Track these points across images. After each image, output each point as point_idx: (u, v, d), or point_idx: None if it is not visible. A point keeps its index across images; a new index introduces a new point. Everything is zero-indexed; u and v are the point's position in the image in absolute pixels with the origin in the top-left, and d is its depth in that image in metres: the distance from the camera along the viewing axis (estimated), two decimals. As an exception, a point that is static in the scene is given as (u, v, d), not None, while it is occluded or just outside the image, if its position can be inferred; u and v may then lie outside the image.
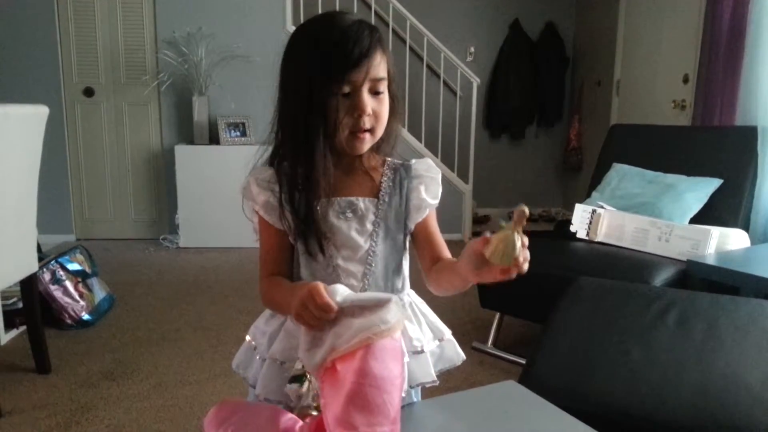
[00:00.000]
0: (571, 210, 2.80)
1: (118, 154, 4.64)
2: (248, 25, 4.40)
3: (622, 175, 2.95)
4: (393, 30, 4.88)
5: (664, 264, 2.31)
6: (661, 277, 2.20)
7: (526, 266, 0.78)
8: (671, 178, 2.77)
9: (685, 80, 3.81)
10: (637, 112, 4.44)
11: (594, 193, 2.98)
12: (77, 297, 2.90)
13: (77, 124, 4.57)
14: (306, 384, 0.82)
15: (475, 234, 4.82)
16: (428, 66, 4.93)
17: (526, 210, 0.74)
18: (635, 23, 4.55)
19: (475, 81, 4.78)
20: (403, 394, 0.88)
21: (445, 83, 5.02)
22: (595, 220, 2.70)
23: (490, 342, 2.67)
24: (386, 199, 0.99)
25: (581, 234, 2.72)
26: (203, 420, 0.80)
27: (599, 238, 2.68)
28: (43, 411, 2.09)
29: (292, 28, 4.40)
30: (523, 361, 1.62)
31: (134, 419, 2.05)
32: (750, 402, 1.24)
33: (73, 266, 2.98)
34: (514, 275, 0.79)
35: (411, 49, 4.90)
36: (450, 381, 2.37)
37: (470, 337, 2.77)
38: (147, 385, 2.30)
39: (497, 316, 2.71)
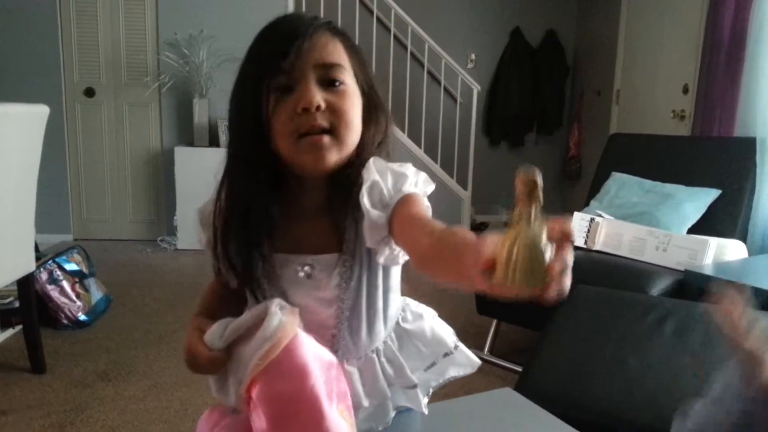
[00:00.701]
0: (570, 218, 2.80)
1: (117, 155, 4.64)
2: (250, 28, 4.34)
3: (621, 184, 2.95)
4: (394, 36, 4.90)
5: (662, 273, 2.31)
6: (658, 287, 2.20)
7: (568, 281, 0.47)
8: (670, 187, 2.78)
9: (685, 90, 3.83)
10: (637, 122, 4.45)
11: (592, 202, 2.98)
12: (74, 297, 2.89)
13: (77, 125, 4.57)
14: None
15: (474, 240, 4.82)
16: (429, 72, 4.95)
17: (528, 171, 0.45)
18: (636, 33, 4.57)
19: (476, 88, 4.79)
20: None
21: (445, 89, 5.03)
22: (593, 229, 2.70)
23: (486, 349, 2.67)
24: (351, 247, 0.78)
25: (579, 242, 2.72)
26: (197, 422, 0.79)
27: (597, 247, 2.68)
28: (38, 411, 2.09)
29: (293, 32, 4.41)
30: (520, 369, 1.62)
31: (129, 420, 2.05)
32: (746, 413, 1.24)
33: (71, 266, 2.97)
34: (551, 294, 0.48)
35: (412, 55, 4.91)
36: (446, 387, 2.36)
37: (467, 344, 2.74)
38: (142, 387, 2.29)
39: (494, 323, 2.71)
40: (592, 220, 2.72)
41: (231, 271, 0.78)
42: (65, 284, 2.89)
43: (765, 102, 2.88)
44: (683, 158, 2.92)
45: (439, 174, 4.77)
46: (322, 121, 0.73)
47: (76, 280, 2.97)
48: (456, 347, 0.92)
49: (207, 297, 0.86)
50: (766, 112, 2.86)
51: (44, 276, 2.82)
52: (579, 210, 2.86)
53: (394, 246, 0.76)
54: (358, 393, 0.82)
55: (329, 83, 0.74)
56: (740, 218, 2.64)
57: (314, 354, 0.65)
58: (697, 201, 2.65)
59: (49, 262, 2.89)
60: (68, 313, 2.84)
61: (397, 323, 0.89)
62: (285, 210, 0.78)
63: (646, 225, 2.59)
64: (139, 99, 4.57)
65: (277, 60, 0.72)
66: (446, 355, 0.91)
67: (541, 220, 0.46)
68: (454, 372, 0.92)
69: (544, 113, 5.64)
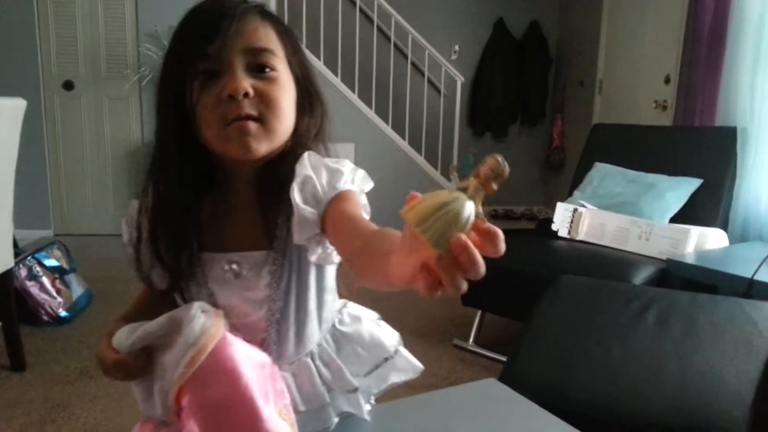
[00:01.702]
0: (553, 208, 2.82)
1: (98, 149, 4.58)
2: (231, 20, 4.35)
3: (604, 175, 2.97)
4: (378, 27, 4.87)
5: (644, 263, 2.33)
6: (641, 276, 2.22)
7: (479, 269, 0.39)
8: (652, 177, 2.79)
9: (667, 81, 3.85)
10: (619, 112, 4.47)
11: (575, 192, 2.99)
12: (54, 293, 2.85)
13: (56, 118, 4.50)
14: None
15: (458, 232, 4.83)
16: (413, 64, 4.93)
17: (504, 164, 0.41)
18: (618, 24, 4.58)
19: (459, 79, 4.78)
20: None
21: (429, 81, 5.02)
22: (576, 219, 2.71)
23: (471, 339, 2.68)
24: (282, 245, 0.74)
25: (563, 232, 2.74)
26: None
27: (580, 237, 2.69)
28: (18, 409, 2.06)
29: (275, 24, 4.38)
30: (504, 359, 1.62)
31: (110, 418, 2.02)
32: (728, 398, 1.25)
33: (51, 262, 2.93)
34: (459, 285, 0.39)
35: (396, 46, 4.89)
36: (431, 379, 2.37)
37: (451, 335, 2.77)
38: (123, 384, 2.25)
39: (478, 313, 2.72)
40: (575, 210, 2.73)
41: (160, 270, 0.75)
42: (45, 280, 2.85)
43: (745, 92, 2.90)
44: (665, 148, 2.94)
45: (423, 165, 4.76)
46: (250, 109, 0.69)
47: (57, 276, 2.92)
48: (396, 352, 0.88)
49: (133, 303, 0.84)
50: (746, 102, 2.89)
51: (23, 272, 2.77)
52: (562, 200, 2.87)
53: (328, 245, 0.71)
54: (294, 398, 0.79)
55: (258, 69, 0.70)
56: (721, 207, 2.67)
57: (244, 354, 0.61)
58: (679, 190, 2.67)
59: (29, 258, 2.84)
60: (48, 309, 2.80)
61: (334, 326, 0.86)
62: (214, 206, 0.75)
63: (628, 215, 2.60)
64: (119, 92, 4.51)
65: (202, 44, 0.68)
66: (387, 359, 0.87)
67: (479, 206, 0.41)
68: (396, 378, 0.88)
69: (527, 104, 5.65)
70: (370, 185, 0.77)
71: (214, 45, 0.68)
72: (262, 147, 0.71)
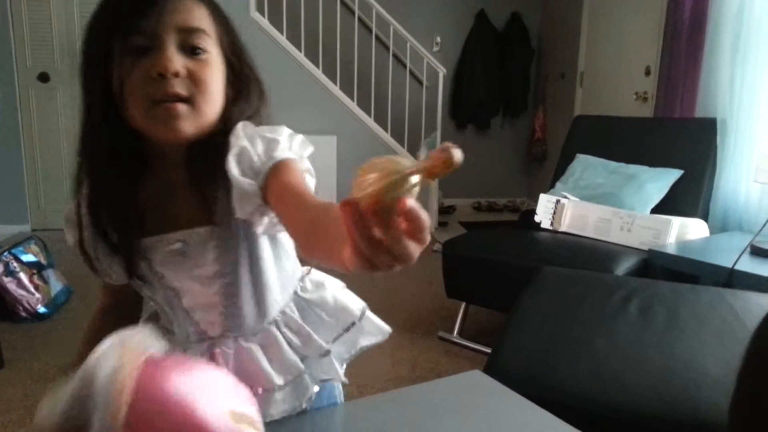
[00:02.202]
0: (536, 200, 2.82)
1: (75, 142, 4.49)
2: (211, 11, 4.30)
3: (586, 166, 2.98)
4: (359, 18, 4.84)
5: (627, 253, 2.34)
6: (623, 267, 2.23)
7: (411, 250, 0.38)
8: (633, 168, 2.81)
9: (647, 72, 3.87)
10: (601, 104, 4.50)
11: (558, 184, 3.01)
12: (32, 289, 2.80)
13: (32, 111, 4.41)
14: None
15: (441, 224, 4.84)
16: (394, 55, 4.91)
17: (455, 153, 0.38)
18: (599, 16, 4.60)
19: (441, 71, 4.77)
20: (301, 407, 0.81)
21: (411, 73, 5.00)
22: (559, 210, 2.72)
23: (455, 331, 2.68)
24: (225, 219, 0.73)
25: (545, 224, 2.75)
26: None
27: (563, 228, 2.71)
28: (-4, 407, 2.02)
29: (256, 15, 4.33)
30: (489, 351, 1.62)
31: (92, 414, 1.99)
32: (710, 388, 1.26)
33: (28, 257, 2.88)
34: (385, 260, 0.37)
35: (377, 38, 4.86)
36: (416, 371, 2.37)
37: (436, 327, 2.77)
38: (106, 379, 2.23)
39: (463, 305, 2.72)
40: (557, 201, 2.74)
41: (114, 264, 0.74)
42: (22, 276, 2.80)
43: (724, 83, 2.92)
44: (646, 139, 2.96)
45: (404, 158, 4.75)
46: (180, 89, 0.67)
47: (34, 271, 2.88)
48: (363, 315, 0.88)
49: (93, 319, 0.83)
50: (725, 93, 2.91)
51: (0, 268, 2.72)
52: (545, 192, 2.88)
53: (273, 214, 0.70)
54: (267, 371, 0.79)
55: (191, 50, 0.69)
56: (702, 197, 2.69)
57: (175, 374, 0.55)
58: (660, 181, 2.69)
59: (5, 253, 2.79)
60: (26, 305, 2.75)
61: (296, 293, 0.85)
62: (150, 189, 0.74)
63: (610, 206, 2.62)
64: (96, 84, 4.43)
65: (135, 18, 0.65)
66: (353, 324, 0.87)
67: (415, 188, 0.39)
68: (365, 341, 0.89)
69: (509, 96, 5.66)
70: (310, 149, 0.76)
71: (147, 20, 0.65)
72: (190, 128, 0.69)
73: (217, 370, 0.65)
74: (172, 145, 0.72)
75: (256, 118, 0.77)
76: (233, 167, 0.68)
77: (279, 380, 0.80)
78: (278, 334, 0.82)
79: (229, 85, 0.74)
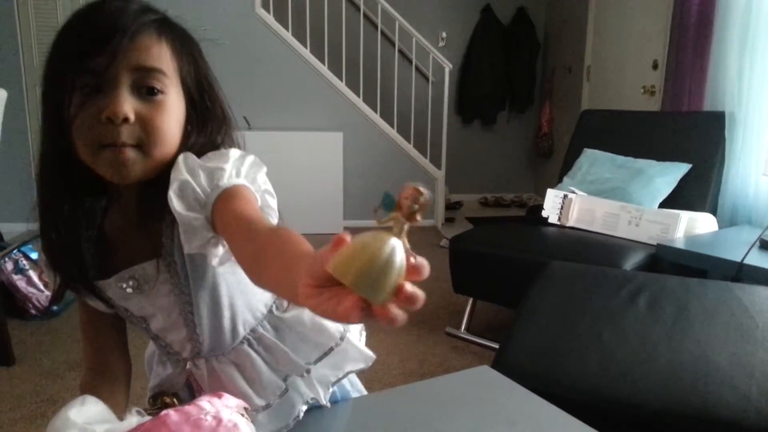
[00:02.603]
0: (543, 195, 2.82)
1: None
2: (216, 8, 4.30)
3: (593, 161, 2.97)
4: (364, 14, 4.83)
5: (635, 248, 2.34)
6: (631, 261, 2.23)
7: (420, 303, 0.40)
8: (641, 163, 2.80)
9: (655, 66, 3.85)
10: (608, 98, 4.47)
11: (565, 179, 3.00)
12: (42, 287, 2.82)
13: (39, 110, 4.42)
14: None
15: (448, 220, 4.84)
16: (400, 51, 4.89)
17: (425, 191, 0.39)
18: (606, 9, 4.57)
19: (447, 66, 4.76)
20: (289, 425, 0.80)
21: (417, 69, 4.99)
22: (566, 206, 2.71)
23: (463, 327, 2.68)
24: (171, 250, 0.71)
25: (553, 219, 2.74)
26: None
27: (570, 223, 2.70)
28: (7, 404, 2.04)
29: (261, 11, 4.33)
30: (497, 346, 1.62)
31: (102, 411, 2.01)
32: (719, 382, 1.26)
33: (37, 255, 2.90)
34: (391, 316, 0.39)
35: (383, 34, 4.85)
36: (424, 366, 2.37)
37: (443, 323, 2.77)
38: (115, 376, 2.25)
39: (470, 301, 2.72)
40: (565, 196, 2.73)
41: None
42: (32, 274, 2.82)
43: (733, 76, 2.90)
44: (654, 133, 2.95)
45: (412, 154, 4.75)
46: (127, 138, 0.64)
47: (43, 269, 2.89)
48: (342, 339, 0.84)
49: (87, 335, 0.83)
50: (734, 87, 2.89)
51: (9, 266, 2.74)
52: (552, 187, 2.87)
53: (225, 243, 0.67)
54: (245, 391, 0.78)
55: (146, 91, 0.65)
56: (710, 191, 2.68)
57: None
58: (668, 175, 2.68)
59: (15, 251, 2.81)
60: (36, 302, 2.77)
61: (270, 312, 0.83)
62: (112, 223, 0.73)
63: (618, 200, 2.61)
64: (103, 82, 4.44)
65: (86, 58, 0.62)
66: (332, 348, 0.84)
67: (405, 238, 0.40)
68: (351, 366, 0.86)
69: (515, 91, 5.64)
70: (263, 170, 0.72)
71: (99, 60, 0.62)
72: (139, 173, 0.67)
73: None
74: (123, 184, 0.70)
75: (211, 147, 0.73)
76: (176, 203, 0.65)
77: (259, 401, 0.78)
78: (251, 352, 0.80)
79: (188, 120, 0.72)
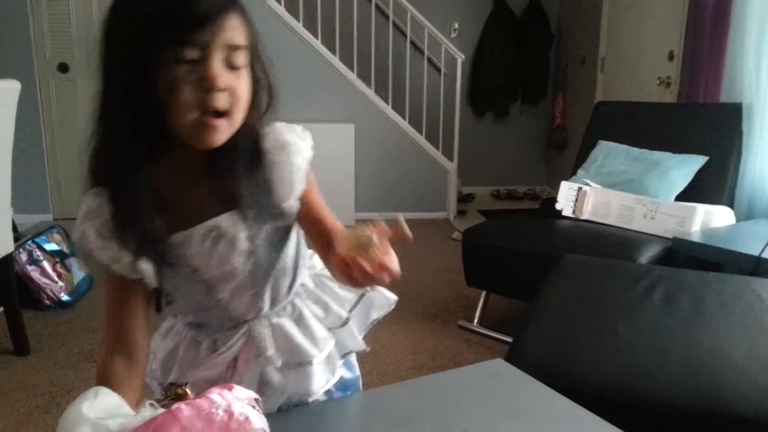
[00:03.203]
0: (556, 188, 2.79)
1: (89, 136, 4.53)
2: (228, 0, 4.29)
3: (608, 153, 2.94)
4: (376, 5, 4.81)
5: (650, 241, 2.31)
6: (647, 255, 2.20)
7: (383, 275, 0.68)
8: (657, 155, 2.76)
9: (671, 57, 3.79)
10: (622, 90, 4.42)
11: (579, 171, 2.97)
12: (55, 278, 2.84)
13: (52, 101, 4.45)
14: None
15: (460, 213, 4.83)
16: (412, 42, 4.87)
17: (403, 223, 0.67)
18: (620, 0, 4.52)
19: (460, 57, 4.73)
20: (334, 379, 0.89)
21: (429, 60, 4.96)
22: (580, 198, 2.69)
23: (476, 320, 2.67)
24: (250, 204, 0.79)
25: (567, 212, 2.71)
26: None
27: (585, 216, 2.67)
28: (23, 393, 2.06)
29: (273, 2, 4.31)
30: (509, 340, 1.61)
31: (115, 401, 2.02)
32: (736, 377, 1.24)
33: (51, 246, 2.92)
34: (378, 274, 0.68)
35: (394, 25, 4.82)
36: (436, 359, 2.37)
37: (456, 316, 2.77)
38: (128, 367, 2.26)
39: (483, 294, 2.71)
40: (579, 189, 2.71)
41: (135, 264, 0.75)
42: (46, 264, 2.84)
43: (750, 67, 2.85)
44: (670, 125, 2.91)
45: (424, 146, 4.73)
46: (223, 103, 0.71)
47: (57, 260, 2.91)
48: (371, 287, 0.88)
49: (113, 314, 0.81)
50: (751, 78, 2.84)
51: (24, 257, 2.76)
52: (565, 179, 2.85)
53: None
54: (302, 345, 0.86)
55: (232, 65, 0.72)
56: (727, 184, 2.64)
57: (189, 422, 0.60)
58: (685, 168, 2.65)
59: (29, 242, 2.83)
60: (50, 293, 2.79)
61: (309, 269, 0.95)
62: (166, 185, 0.76)
63: (633, 193, 2.58)
64: (115, 74, 4.45)
65: (190, 31, 0.68)
66: (363, 294, 0.95)
67: (379, 240, 0.67)
68: (375, 314, 0.97)
69: (528, 82, 5.60)
70: (310, 138, 0.88)
71: (201, 36, 0.68)
72: (223, 139, 0.74)
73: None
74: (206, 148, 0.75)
75: (267, 116, 0.82)
76: (283, 174, 0.81)
77: (314, 352, 0.86)
78: (302, 305, 0.90)
79: (253, 89, 0.78)
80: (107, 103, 0.73)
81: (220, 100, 0.70)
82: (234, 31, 0.71)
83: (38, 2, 4.30)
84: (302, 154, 0.83)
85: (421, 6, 4.74)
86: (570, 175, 3.01)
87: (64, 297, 2.83)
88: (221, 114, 0.71)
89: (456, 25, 5.43)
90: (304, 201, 0.85)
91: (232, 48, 0.71)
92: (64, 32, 4.37)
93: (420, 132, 4.77)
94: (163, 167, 0.75)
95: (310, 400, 0.88)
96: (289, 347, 0.86)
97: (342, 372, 0.94)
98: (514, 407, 0.90)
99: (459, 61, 4.74)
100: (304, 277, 0.93)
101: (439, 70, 5.08)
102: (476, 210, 5.08)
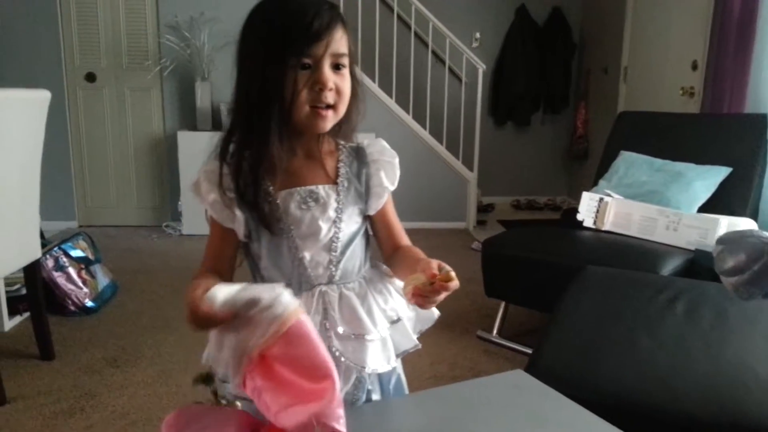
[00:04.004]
0: (577, 199, 2.78)
1: (120, 140, 4.62)
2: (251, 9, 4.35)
3: (630, 163, 2.92)
4: (398, 15, 4.84)
5: (672, 253, 2.29)
6: (668, 267, 2.18)
7: (429, 304, 0.86)
8: (680, 166, 2.74)
9: (694, 67, 3.76)
10: (645, 100, 4.39)
11: (601, 182, 2.95)
12: (80, 284, 2.89)
13: (79, 110, 4.55)
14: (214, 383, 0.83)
15: (480, 223, 4.82)
16: (433, 52, 4.89)
17: (451, 272, 0.86)
18: (643, 8, 4.49)
19: (481, 67, 4.74)
20: (388, 367, 0.96)
21: (450, 70, 4.97)
22: (602, 209, 2.67)
23: (495, 331, 2.66)
24: (345, 185, 0.98)
25: (588, 222, 2.70)
26: (161, 426, 0.77)
27: (606, 227, 2.66)
28: (48, 397, 2.09)
29: (296, 14, 4.36)
30: (528, 351, 1.61)
31: (138, 406, 2.05)
32: (759, 391, 1.23)
33: (76, 253, 2.97)
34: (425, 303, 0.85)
35: (416, 35, 4.85)
36: (455, 370, 2.36)
37: (475, 326, 2.76)
38: (151, 372, 2.29)
39: (502, 305, 2.70)
40: (600, 199, 2.69)
41: (251, 210, 0.92)
42: (71, 271, 2.89)
43: (776, 77, 2.83)
44: (693, 136, 2.88)
45: (444, 156, 4.73)
46: (330, 99, 0.91)
47: (82, 266, 2.96)
48: (399, 320, 1.01)
49: (212, 253, 0.98)
50: (776, 88, 2.81)
51: (50, 263, 2.81)
52: (586, 190, 2.83)
53: None
54: (363, 319, 0.95)
55: (336, 67, 0.92)
56: (751, 196, 2.61)
57: (313, 329, 0.75)
58: (708, 179, 2.62)
59: (55, 248, 2.88)
60: (75, 299, 2.84)
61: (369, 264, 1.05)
62: (290, 156, 0.94)
63: (656, 204, 2.56)
64: (140, 83, 4.54)
65: (305, 46, 0.88)
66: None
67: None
68: (421, 326, 1.05)
69: (550, 92, 5.58)
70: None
71: (314, 49, 0.88)
72: (329, 126, 0.94)
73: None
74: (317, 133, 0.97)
75: (359, 107, 1.01)
76: (383, 178, 1.01)
77: (372, 329, 0.95)
78: (367, 287, 1.00)
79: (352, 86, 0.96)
80: (241, 94, 0.93)
81: (329, 97, 0.91)
82: (339, 41, 0.91)
83: (68, 14, 4.40)
84: (395, 162, 1.03)
85: (443, 16, 4.77)
86: (591, 185, 3.00)
87: (89, 303, 2.88)
88: (329, 107, 0.91)
89: (477, 35, 5.44)
90: (384, 206, 1.02)
91: (338, 55, 0.91)
92: (92, 42, 4.46)
93: (440, 142, 4.77)
94: (285, 145, 0.93)
95: (366, 373, 0.95)
96: (351, 317, 0.95)
97: (399, 369, 1.06)
98: (534, 418, 0.90)
99: (480, 71, 4.75)
100: (369, 269, 1.04)
101: (460, 79, 5.09)
102: (496, 220, 5.07)
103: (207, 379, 0.83)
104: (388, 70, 4.73)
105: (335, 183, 0.98)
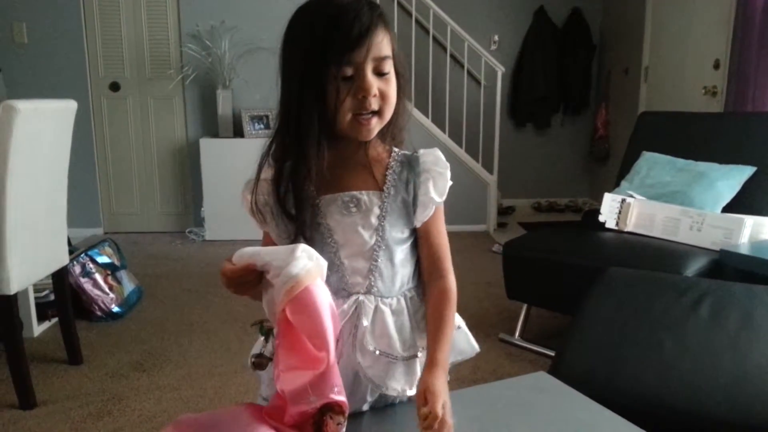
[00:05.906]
0: (598, 200, 2.76)
1: (144, 148, 4.69)
2: (271, 17, 4.37)
3: (652, 164, 2.89)
4: (416, 19, 4.85)
5: (696, 254, 2.27)
6: (693, 267, 2.16)
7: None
8: (703, 166, 2.71)
9: (716, 66, 3.72)
10: (667, 100, 4.35)
11: (623, 183, 2.93)
12: (107, 289, 2.94)
13: (104, 119, 4.62)
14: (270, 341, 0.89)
15: (500, 225, 4.80)
16: (452, 55, 4.89)
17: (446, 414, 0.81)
18: (664, 8, 4.45)
19: (500, 70, 4.73)
20: (409, 392, 0.94)
21: (469, 73, 4.97)
22: (624, 210, 2.65)
23: (517, 333, 2.65)
24: (391, 192, 0.94)
25: (610, 224, 2.68)
26: None
27: (629, 228, 2.63)
28: (76, 401, 2.13)
29: (314, 20, 4.39)
30: (551, 353, 1.61)
31: (164, 409, 2.08)
32: (788, 394, 1.21)
33: (103, 259, 3.02)
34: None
35: (434, 38, 4.86)
36: (477, 373, 2.36)
37: (497, 329, 2.75)
38: (176, 376, 2.32)
39: (524, 307, 2.69)
40: (623, 201, 2.67)
41: (291, 214, 0.90)
42: (98, 277, 2.94)
43: (801, 75, 2.79)
44: (716, 135, 2.85)
45: (464, 158, 4.73)
46: (374, 105, 0.88)
47: (108, 272, 3.01)
48: (458, 327, 1.01)
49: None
50: (802, 85, 2.77)
51: (77, 269, 2.87)
52: (608, 191, 2.81)
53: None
54: (393, 337, 0.93)
55: (380, 73, 0.88)
56: (776, 195, 2.57)
57: (325, 296, 0.79)
58: (732, 179, 2.59)
59: (82, 255, 2.94)
60: (102, 305, 2.89)
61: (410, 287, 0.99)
62: (330, 159, 0.90)
63: (679, 204, 2.53)
64: (163, 92, 4.60)
65: (345, 54, 0.84)
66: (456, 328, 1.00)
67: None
68: (453, 358, 1.00)
69: (570, 93, 5.55)
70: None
71: (357, 57, 0.85)
72: (374, 133, 0.91)
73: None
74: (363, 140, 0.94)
75: (408, 105, 0.98)
76: (431, 189, 0.94)
77: (401, 350, 0.93)
78: (405, 306, 0.96)
79: (397, 89, 0.93)
80: (284, 101, 0.91)
81: (373, 103, 0.88)
82: (381, 44, 0.87)
83: (92, 24, 4.48)
84: (446, 174, 0.96)
85: (461, 19, 4.77)
86: (613, 186, 2.98)
87: (115, 308, 2.92)
88: (374, 113, 0.88)
89: (496, 38, 5.44)
90: (429, 221, 0.96)
91: (380, 59, 0.87)
92: (115, 52, 4.54)
93: (460, 145, 4.77)
94: (330, 152, 0.90)
95: (386, 392, 0.93)
96: (381, 333, 0.92)
97: None
98: (558, 420, 0.91)
99: (499, 74, 4.74)
100: (410, 285, 0.99)
101: (479, 82, 5.09)
102: (516, 222, 5.05)
103: (266, 331, 0.90)
104: (407, 74, 4.72)
105: (381, 190, 0.94)
